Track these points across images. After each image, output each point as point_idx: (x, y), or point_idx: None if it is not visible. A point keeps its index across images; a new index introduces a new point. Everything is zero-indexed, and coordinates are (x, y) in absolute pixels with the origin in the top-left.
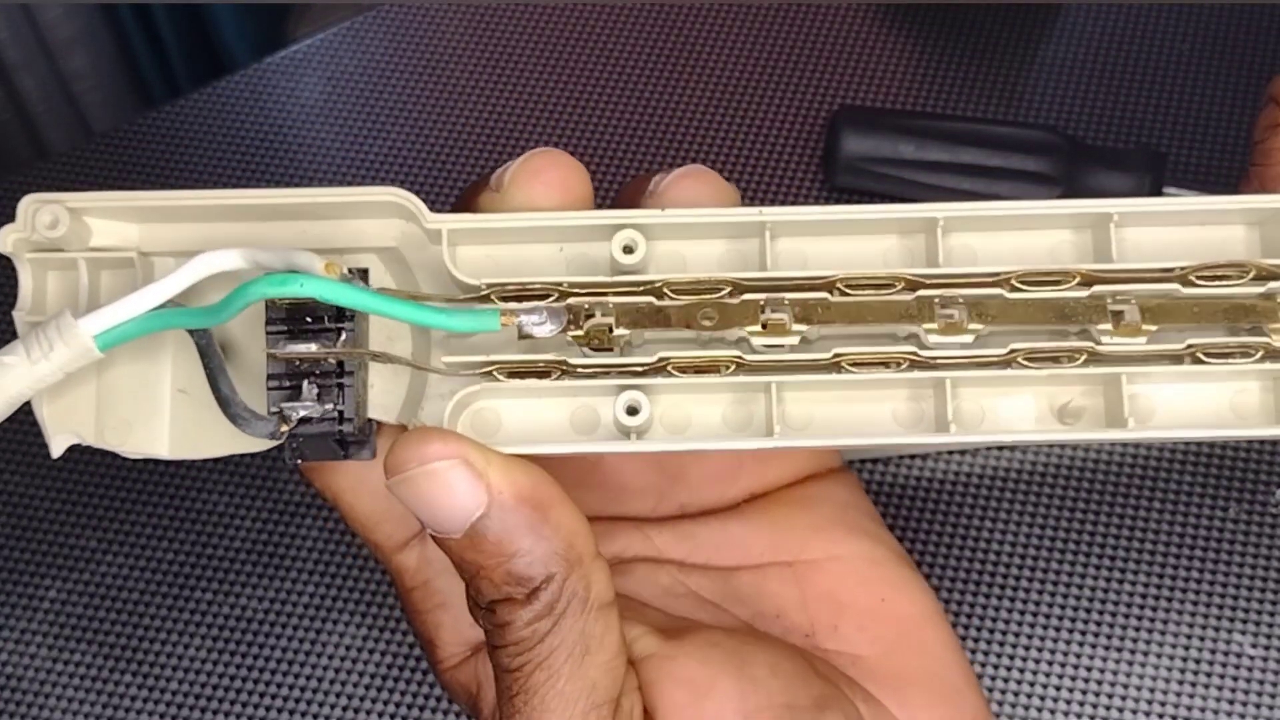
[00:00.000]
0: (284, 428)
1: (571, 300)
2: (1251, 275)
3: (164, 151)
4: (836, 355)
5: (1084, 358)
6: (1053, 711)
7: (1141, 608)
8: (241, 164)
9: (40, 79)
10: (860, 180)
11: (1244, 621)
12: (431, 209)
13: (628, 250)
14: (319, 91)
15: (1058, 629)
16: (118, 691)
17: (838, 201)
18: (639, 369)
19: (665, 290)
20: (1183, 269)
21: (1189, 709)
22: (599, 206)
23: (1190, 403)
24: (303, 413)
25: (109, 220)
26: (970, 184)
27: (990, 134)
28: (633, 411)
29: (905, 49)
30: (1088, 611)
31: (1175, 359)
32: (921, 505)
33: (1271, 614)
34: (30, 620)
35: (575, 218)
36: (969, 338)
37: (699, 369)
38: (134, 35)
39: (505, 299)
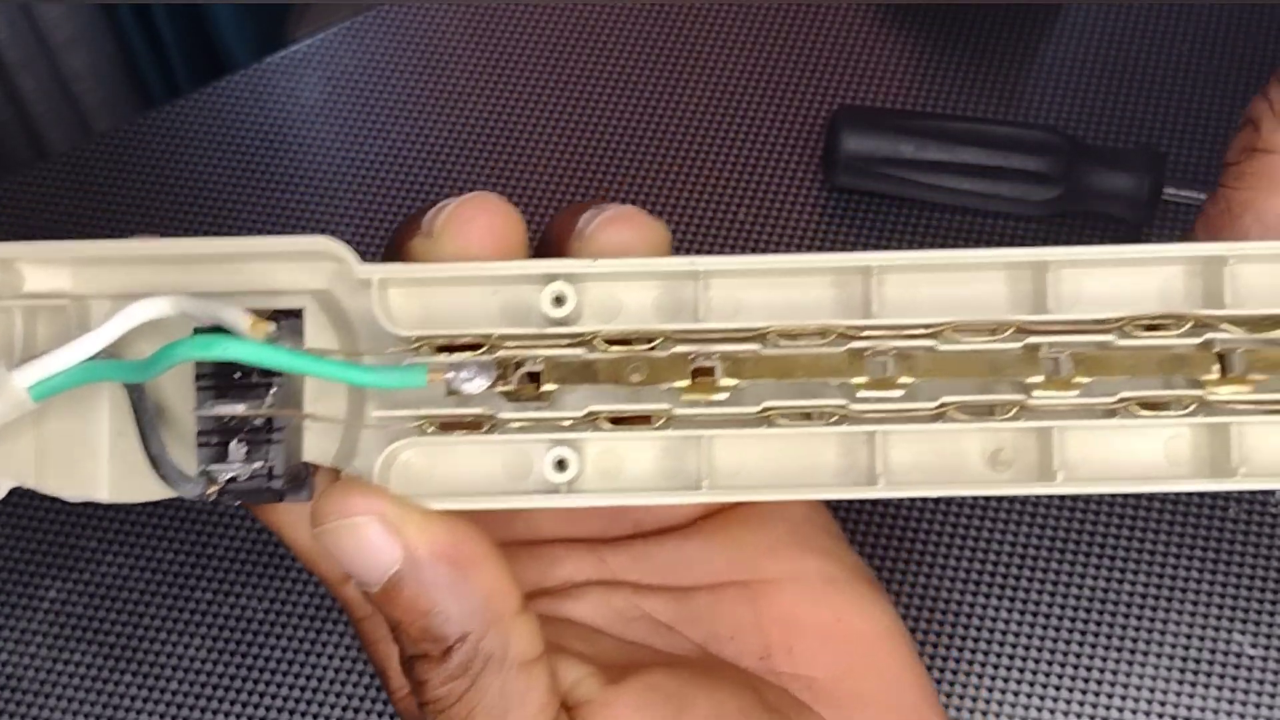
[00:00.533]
0: (211, 488)
1: (502, 353)
2: (1189, 326)
3: (164, 151)
4: (766, 409)
5: (1015, 410)
6: (1052, 712)
7: (1141, 608)
8: (241, 164)
9: (40, 79)
10: (860, 180)
11: (1244, 621)
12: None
13: (558, 302)
14: (319, 91)
15: (1058, 629)
16: (118, 691)
17: (838, 201)
18: (568, 422)
19: (596, 341)
20: (1119, 319)
21: (1189, 709)
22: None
23: (1123, 455)
24: (230, 474)
25: (41, 266)
26: (970, 184)
27: (990, 134)
28: (561, 466)
29: (905, 49)
30: (1088, 611)
31: (1109, 412)
32: (921, 505)
33: (1271, 614)
34: (30, 620)
35: (505, 268)
36: (899, 391)
37: (630, 421)
38: (134, 35)
39: (439, 349)
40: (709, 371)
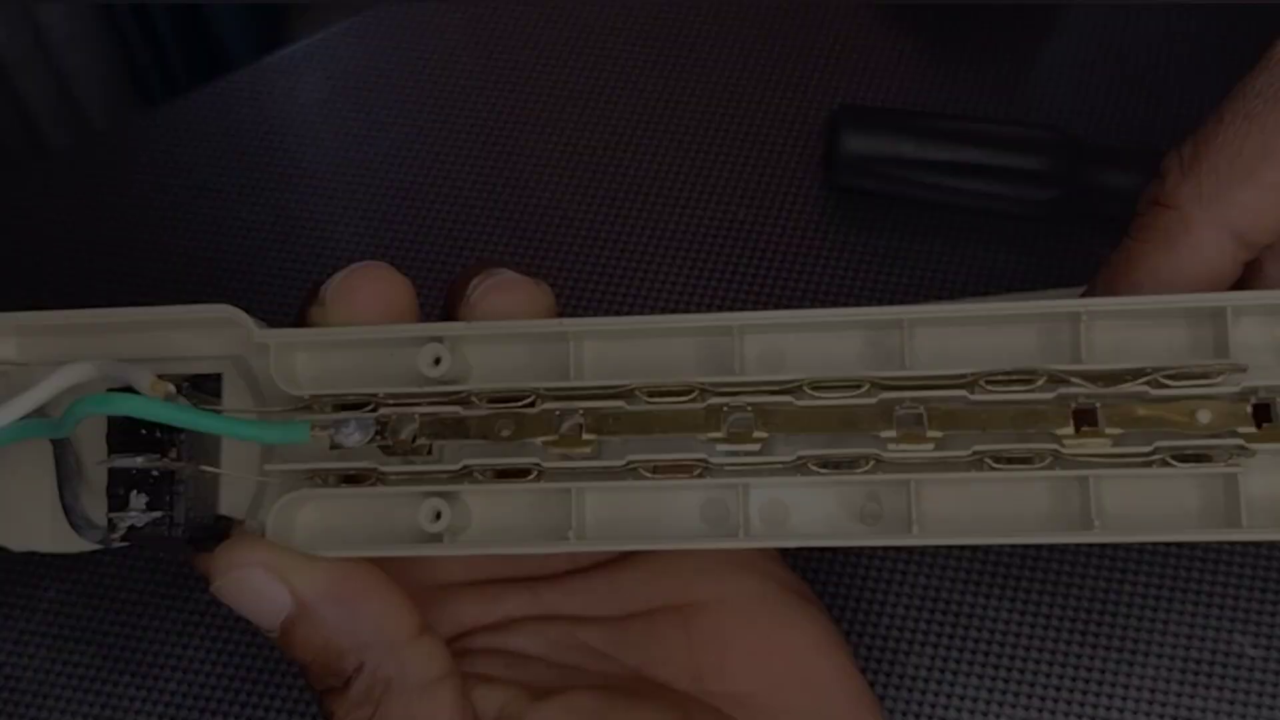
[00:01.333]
0: (113, 535)
1: (383, 410)
2: (1042, 381)
3: (163, 150)
4: (630, 461)
5: (871, 464)
6: (1053, 712)
7: (1141, 608)
8: (241, 163)
9: (40, 78)
10: (860, 180)
11: (1244, 621)
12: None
13: (436, 362)
14: (319, 91)
15: (1058, 629)
16: (115, 692)
17: (838, 201)
18: (445, 475)
19: (473, 398)
20: (973, 375)
21: (1189, 709)
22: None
23: (982, 506)
24: (129, 522)
25: None
26: (971, 183)
27: (990, 133)
28: (437, 517)
29: (906, 48)
30: (1088, 612)
31: (966, 465)
32: None
33: (1272, 614)
34: (29, 620)
35: (385, 332)
36: (755, 446)
37: (511, 474)
38: (133, 34)
39: (337, 407)
40: (579, 427)
